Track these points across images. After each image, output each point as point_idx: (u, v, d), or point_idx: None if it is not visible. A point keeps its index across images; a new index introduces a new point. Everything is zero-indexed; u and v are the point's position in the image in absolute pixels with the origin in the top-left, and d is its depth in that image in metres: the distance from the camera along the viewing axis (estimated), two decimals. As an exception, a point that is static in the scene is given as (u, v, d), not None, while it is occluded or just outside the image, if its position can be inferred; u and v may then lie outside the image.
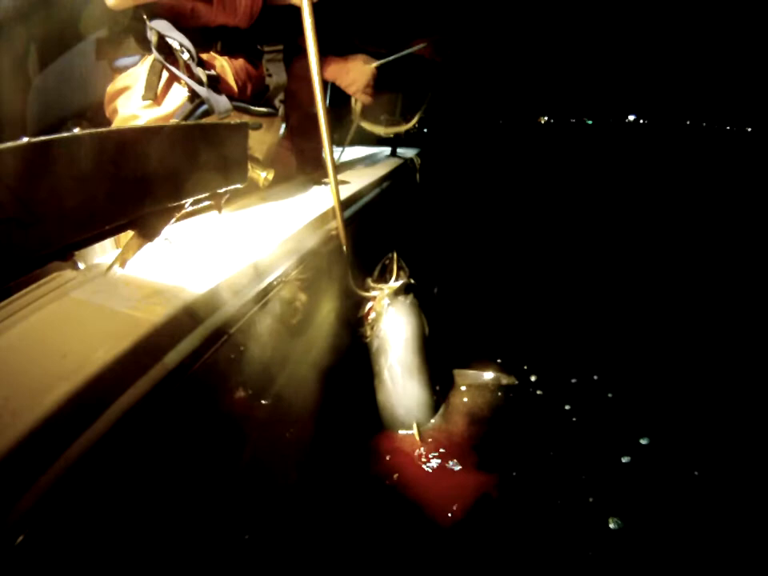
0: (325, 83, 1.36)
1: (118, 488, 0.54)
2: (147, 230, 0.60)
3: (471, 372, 1.70)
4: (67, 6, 1.18)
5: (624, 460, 1.43)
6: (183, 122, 1.02)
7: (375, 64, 1.67)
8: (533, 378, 1.82)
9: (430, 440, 1.38)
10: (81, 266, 0.74)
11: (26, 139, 0.42)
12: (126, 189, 0.54)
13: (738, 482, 1.35)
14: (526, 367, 1.88)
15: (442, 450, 1.35)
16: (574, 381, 1.84)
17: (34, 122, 1.26)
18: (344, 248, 1.27)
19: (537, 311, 2.50)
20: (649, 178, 8.59)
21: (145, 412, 0.56)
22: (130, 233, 0.65)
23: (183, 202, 0.63)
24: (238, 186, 0.77)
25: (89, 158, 0.48)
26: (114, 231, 0.56)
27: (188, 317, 0.68)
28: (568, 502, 1.27)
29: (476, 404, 1.57)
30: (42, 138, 0.44)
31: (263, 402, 0.90)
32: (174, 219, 0.64)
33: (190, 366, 0.64)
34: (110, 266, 0.70)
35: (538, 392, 1.75)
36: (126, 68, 1.13)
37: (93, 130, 0.49)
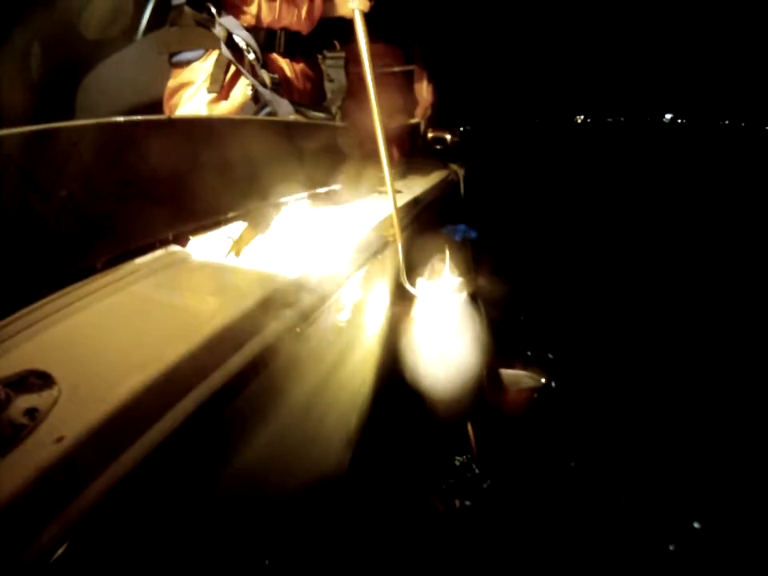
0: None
1: (191, 484, 0.50)
2: (257, 222, 0.60)
3: (513, 372, 1.66)
4: (70, 5, 1.20)
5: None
6: (292, 119, 1.02)
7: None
8: (566, 380, 1.80)
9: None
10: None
11: (165, 116, 0.43)
12: (242, 180, 0.53)
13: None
14: (561, 368, 1.90)
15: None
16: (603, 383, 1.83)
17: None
18: (399, 247, 1.23)
19: (577, 313, 2.48)
20: (683, 180, 8.30)
21: (220, 406, 0.52)
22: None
23: (289, 198, 0.62)
24: (336, 187, 0.75)
25: (214, 143, 0.48)
26: (230, 221, 0.55)
27: (262, 312, 0.64)
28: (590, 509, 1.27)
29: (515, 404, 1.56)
30: (179, 115, 0.45)
31: (325, 400, 0.86)
32: (280, 213, 0.64)
33: (262, 362, 0.60)
34: (226, 255, 0.69)
35: (571, 394, 1.75)
36: (188, 63, 1.12)
37: (217, 117, 0.49)
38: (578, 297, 2.75)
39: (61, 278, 0.50)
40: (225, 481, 0.55)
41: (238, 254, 0.69)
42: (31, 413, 0.43)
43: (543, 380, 1.68)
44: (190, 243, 0.53)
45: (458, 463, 1.37)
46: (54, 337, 0.53)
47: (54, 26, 1.21)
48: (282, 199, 0.60)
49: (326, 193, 0.73)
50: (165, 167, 0.46)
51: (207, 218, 0.52)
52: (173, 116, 0.43)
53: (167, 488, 0.47)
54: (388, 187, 1.12)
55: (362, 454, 1.01)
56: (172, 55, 1.14)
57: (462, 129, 2.15)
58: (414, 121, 1.91)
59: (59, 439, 0.40)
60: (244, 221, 0.59)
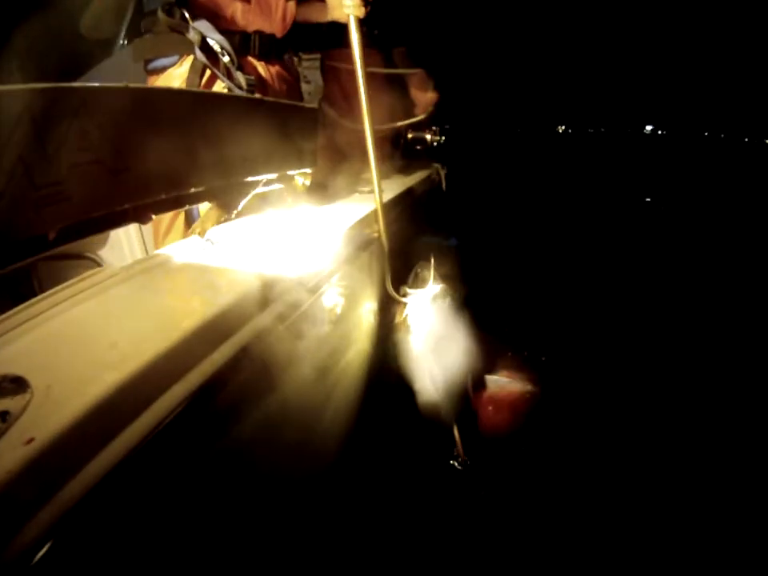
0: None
1: (167, 486, 0.50)
2: (224, 203, 0.59)
3: (497, 378, 1.70)
4: (65, 10, 1.21)
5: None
6: (261, 96, 1.01)
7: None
8: (553, 386, 1.79)
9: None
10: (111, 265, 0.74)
11: (123, 83, 0.42)
12: (206, 156, 0.53)
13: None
14: (547, 373, 1.87)
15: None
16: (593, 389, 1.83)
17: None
18: (385, 251, 1.24)
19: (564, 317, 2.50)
20: (663, 188, 8.54)
21: (197, 406, 0.51)
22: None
23: (256, 178, 0.61)
24: (307, 170, 0.75)
25: (176, 115, 0.47)
26: (193, 199, 0.54)
27: (237, 314, 0.64)
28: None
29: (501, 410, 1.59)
30: (139, 85, 0.44)
31: (305, 401, 0.86)
32: (247, 197, 0.63)
33: (239, 362, 0.60)
34: (190, 234, 0.68)
35: (558, 400, 1.73)
36: (163, 69, 1.13)
37: (187, 89, 0.49)
38: (563, 299, 2.78)
39: (9, 248, 0.48)
40: (203, 482, 0.55)
41: (202, 234, 0.68)
42: (3, 416, 0.42)
43: (529, 387, 1.69)
44: (150, 220, 0.51)
45: (443, 464, 1.37)
46: (29, 342, 0.52)
47: (52, 29, 1.21)
48: (249, 178, 0.60)
49: (298, 177, 0.72)
50: (122, 136, 0.45)
51: (168, 192, 0.51)
52: (131, 85, 0.41)
53: (142, 490, 0.46)
54: (375, 186, 1.13)
55: (345, 455, 1.00)
56: (147, 62, 1.15)
57: (445, 127, 2.17)
58: (414, 120, 1.90)
59: (29, 441, 0.40)
60: (210, 200, 0.59)
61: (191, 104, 0.57)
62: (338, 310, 1.06)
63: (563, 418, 1.65)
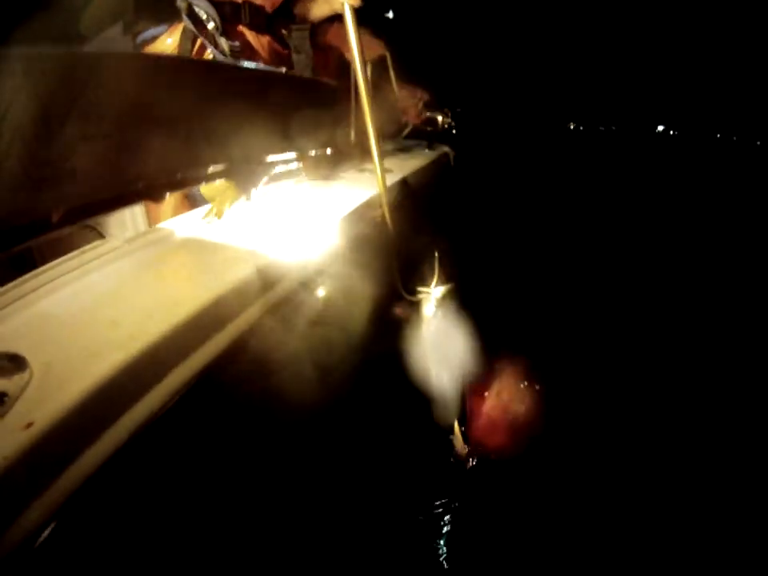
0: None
1: (172, 472, 0.48)
2: (241, 182, 0.55)
3: (497, 392, 1.66)
4: (65, 10, 1.17)
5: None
6: (276, 70, 0.97)
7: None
8: (559, 383, 1.78)
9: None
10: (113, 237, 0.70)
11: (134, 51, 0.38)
12: (221, 131, 0.49)
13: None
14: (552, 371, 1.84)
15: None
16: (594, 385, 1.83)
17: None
18: (390, 239, 1.20)
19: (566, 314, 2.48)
20: (673, 188, 8.45)
21: (202, 386, 0.49)
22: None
23: (275, 158, 0.57)
24: (327, 150, 0.71)
25: (190, 86, 0.43)
26: (210, 177, 0.50)
27: (243, 292, 0.61)
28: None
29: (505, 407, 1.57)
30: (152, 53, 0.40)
31: (305, 389, 0.84)
32: (264, 177, 0.59)
33: (244, 344, 0.58)
34: (205, 216, 0.64)
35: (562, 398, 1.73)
36: (153, 39, 1.12)
37: (203, 59, 0.45)
38: (568, 298, 2.76)
39: (11, 233, 0.44)
40: (206, 468, 0.53)
41: (219, 215, 0.65)
42: (1, 398, 0.40)
43: (528, 408, 1.66)
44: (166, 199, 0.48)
45: (445, 462, 1.37)
46: (28, 317, 0.49)
47: (52, 29, 1.18)
48: (269, 158, 0.56)
49: (316, 157, 0.69)
50: (133, 108, 0.41)
51: (183, 172, 0.47)
52: (144, 52, 0.37)
53: (144, 477, 0.44)
54: (377, 171, 1.08)
55: (346, 449, 0.99)
56: (136, 35, 1.14)
57: (456, 110, 2.11)
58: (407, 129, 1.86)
59: (28, 425, 0.37)
60: (226, 179, 0.55)
61: (206, 75, 0.53)
62: (342, 296, 1.03)
63: (568, 415, 1.64)
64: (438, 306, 1.43)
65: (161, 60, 0.51)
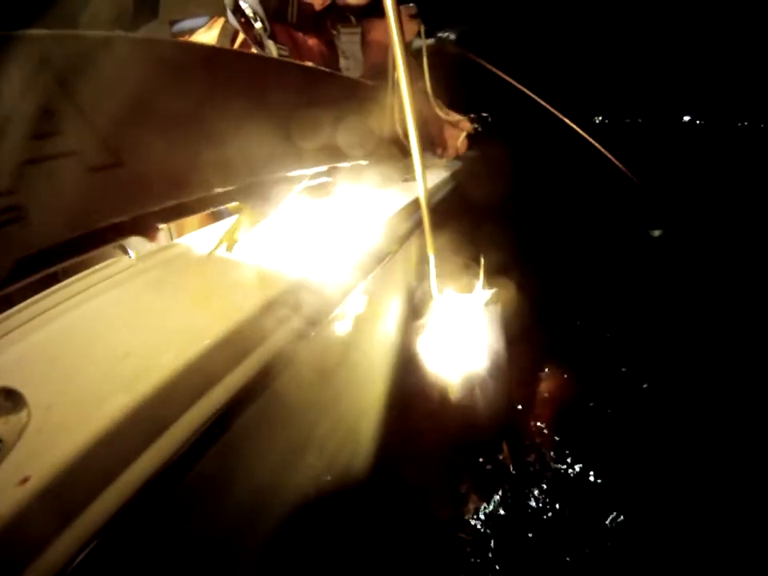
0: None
1: (181, 529, 0.43)
2: (260, 203, 0.46)
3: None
4: (65, 10, 1.15)
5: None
6: (313, 66, 0.89)
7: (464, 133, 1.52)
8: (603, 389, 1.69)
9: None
10: (132, 253, 0.65)
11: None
12: (234, 144, 0.41)
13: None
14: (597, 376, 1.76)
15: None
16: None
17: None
18: (430, 249, 1.12)
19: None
20: (704, 178, 7.99)
21: (220, 428, 0.44)
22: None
23: (302, 171, 0.49)
24: (362, 162, 0.62)
25: (186, 77, 0.36)
26: (220, 199, 0.42)
27: (266, 317, 0.55)
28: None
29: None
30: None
31: (337, 414, 0.77)
32: (288, 195, 0.50)
33: (268, 375, 0.52)
34: (215, 249, 0.56)
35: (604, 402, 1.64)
36: (191, 31, 1.04)
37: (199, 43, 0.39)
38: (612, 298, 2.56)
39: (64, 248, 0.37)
40: (223, 524, 0.47)
41: (230, 248, 0.56)
42: (-5, 444, 0.35)
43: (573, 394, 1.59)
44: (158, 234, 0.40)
45: (492, 484, 1.28)
46: (29, 346, 0.45)
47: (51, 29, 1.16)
48: (293, 173, 0.46)
49: (351, 170, 0.60)
50: (111, 114, 0.34)
51: (179, 194, 0.40)
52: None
53: (153, 539, 0.39)
54: (417, 174, 0.99)
55: (376, 472, 0.92)
56: (173, 23, 1.06)
57: (484, 115, 1.98)
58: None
59: (24, 480, 0.33)
60: (242, 200, 0.46)
61: (211, 63, 0.46)
62: (371, 317, 0.96)
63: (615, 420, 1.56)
64: (482, 313, 1.35)
65: (171, 46, 0.45)
